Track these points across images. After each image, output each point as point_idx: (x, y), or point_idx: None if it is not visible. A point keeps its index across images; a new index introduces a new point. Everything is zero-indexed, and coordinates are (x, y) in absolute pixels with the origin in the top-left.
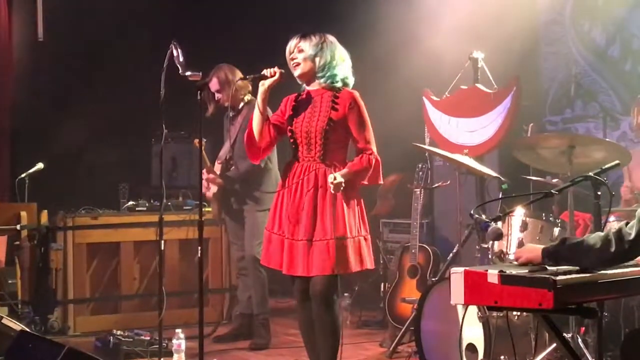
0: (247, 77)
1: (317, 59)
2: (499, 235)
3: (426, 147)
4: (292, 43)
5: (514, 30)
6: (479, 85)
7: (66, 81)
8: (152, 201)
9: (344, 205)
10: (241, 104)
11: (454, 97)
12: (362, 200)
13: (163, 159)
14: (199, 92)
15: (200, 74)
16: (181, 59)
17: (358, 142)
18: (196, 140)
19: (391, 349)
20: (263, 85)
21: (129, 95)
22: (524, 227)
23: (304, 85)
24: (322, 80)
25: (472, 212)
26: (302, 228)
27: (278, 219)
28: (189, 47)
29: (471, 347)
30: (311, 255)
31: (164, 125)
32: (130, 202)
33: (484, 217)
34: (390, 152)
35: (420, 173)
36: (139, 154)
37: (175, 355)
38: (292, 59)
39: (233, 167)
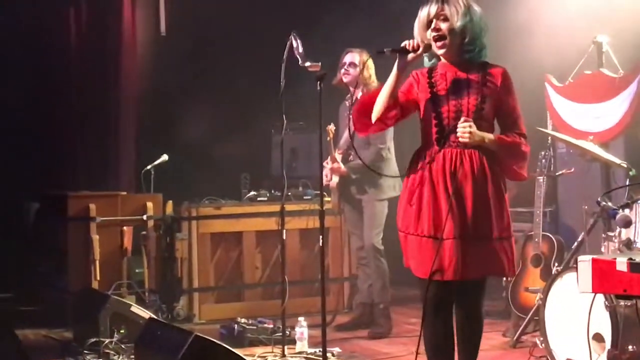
0: (385, 50)
1: (466, 32)
2: (628, 223)
3: (550, 132)
4: (432, 8)
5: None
6: (604, 70)
7: (188, 74)
8: (272, 191)
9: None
10: (359, 93)
11: (577, 83)
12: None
13: (283, 150)
14: (318, 82)
15: (320, 64)
16: (300, 50)
17: (506, 121)
18: (329, 127)
19: (515, 338)
20: (403, 60)
21: (249, 86)
22: None
23: (434, 59)
24: (468, 56)
25: (599, 199)
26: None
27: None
28: (308, 39)
29: (598, 337)
30: (469, 256)
31: (284, 116)
32: (252, 193)
33: (610, 204)
34: None
35: (543, 160)
36: (259, 145)
37: (299, 343)
38: (436, 30)
39: (352, 157)
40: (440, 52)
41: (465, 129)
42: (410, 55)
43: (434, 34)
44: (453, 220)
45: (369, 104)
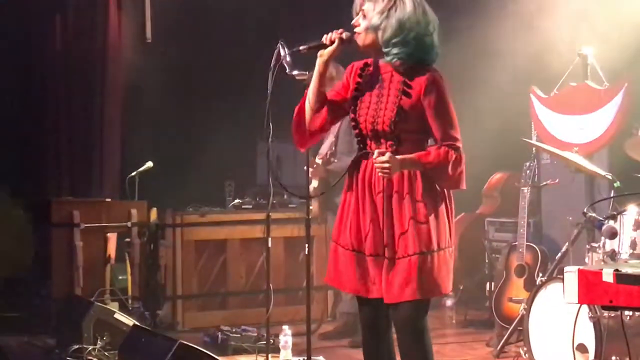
0: (302, 47)
1: (379, 32)
2: (613, 234)
3: (535, 143)
4: (357, 1)
5: (627, 24)
6: (589, 82)
7: (174, 81)
8: (257, 199)
9: (428, 211)
10: None
11: (562, 94)
12: (450, 207)
13: (269, 158)
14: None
15: (307, 73)
16: (288, 58)
17: (436, 132)
18: None
19: (498, 348)
20: (321, 56)
21: (235, 93)
22: (637, 226)
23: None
24: (388, 58)
25: (585, 210)
26: (374, 241)
27: (347, 229)
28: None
29: (581, 348)
30: (391, 276)
31: (270, 124)
32: (237, 200)
33: (596, 215)
34: (497, 150)
35: (528, 171)
36: (245, 153)
37: (283, 352)
38: (354, 25)
39: (333, 161)
40: (364, 48)
41: (382, 165)
42: (327, 50)
43: (355, 28)
44: (372, 236)
45: (300, 114)
